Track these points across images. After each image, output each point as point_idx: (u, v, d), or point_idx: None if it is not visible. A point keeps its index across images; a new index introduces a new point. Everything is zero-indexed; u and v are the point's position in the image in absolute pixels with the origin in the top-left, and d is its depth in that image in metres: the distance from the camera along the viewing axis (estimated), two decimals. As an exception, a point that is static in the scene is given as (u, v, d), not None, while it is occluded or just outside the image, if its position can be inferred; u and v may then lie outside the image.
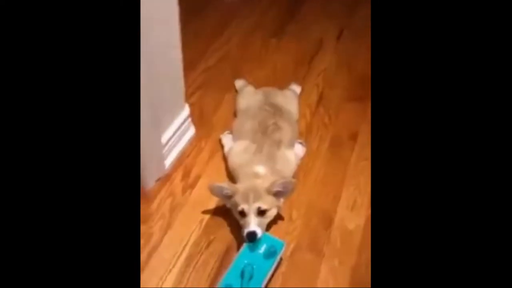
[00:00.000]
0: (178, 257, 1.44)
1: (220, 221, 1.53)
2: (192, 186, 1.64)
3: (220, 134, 1.80)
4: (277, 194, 1.44)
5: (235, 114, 1.82)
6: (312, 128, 1.88)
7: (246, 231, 1.38)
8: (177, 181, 1.65)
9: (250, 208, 1.39)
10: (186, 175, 1.67)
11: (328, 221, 1.55)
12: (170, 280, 1.38)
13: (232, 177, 1.59)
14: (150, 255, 1.43)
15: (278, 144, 1.60)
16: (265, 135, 1.61)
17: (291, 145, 1.67)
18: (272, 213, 1.44)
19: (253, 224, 1.38)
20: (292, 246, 1.47)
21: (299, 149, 1.72)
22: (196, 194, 1.62)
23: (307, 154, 1.76)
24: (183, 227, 1.51)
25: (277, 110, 1.72)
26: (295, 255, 1.45)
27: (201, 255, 1.44)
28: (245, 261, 1.33)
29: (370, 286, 1.27)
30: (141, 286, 1.34)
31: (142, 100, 1.37)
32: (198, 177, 1.67)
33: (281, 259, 1.38)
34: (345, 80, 2.10)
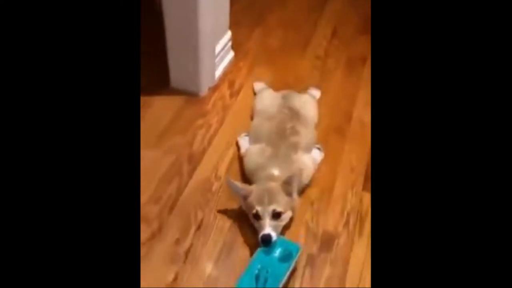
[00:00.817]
0: (232, 142, 1.82)
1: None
2: (237, 93, 2.02)
3: (254, 58, 2.18)
4: (291, 192, 1.45)
5: (251, 117, 1.86)
6: (329, 53, 2.27)
7: (260, 234, 1.37)
8: (224, 89, 2.03)
9: (265, 211, 1.39)
10: (231, 85, 2.05)
11: (348, 116, 1.95)
12: (228, 155, 1.75)
13: (247, 180, 1.60)
14: (210, 141, 1.81)
15: (294, 147, 1.60)
16: (282, 138, 1.61)
17: (308, 150, 1.67)
18: (287, 216, 1.43)
19: (268, 227, 1.37)
20: (321, 129, 1.87)
21: (316, 154, 1.72)
22: (240, 98, 2.00)
23: (327, 70, 2.15)
24: (234, 121, 1.89)
25: (295, 114, 1.72)
26: (326, 137, 1.84)
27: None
28: (260, 265, 1.32)
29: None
30: (201, 168, 1.69)
31: (205, 17, 1.75)
32: (241, 87, 2.05)
33: (295, 268, 1.38)
34: (353, 19, 2.50)
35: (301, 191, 1.58)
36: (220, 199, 1.58)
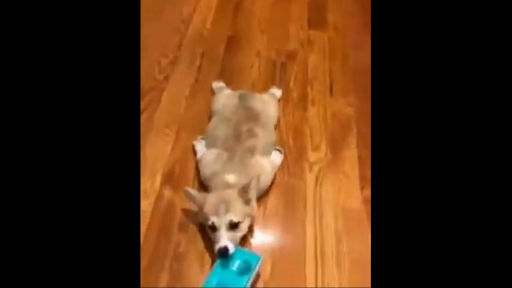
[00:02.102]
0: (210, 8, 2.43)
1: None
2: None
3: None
4: (249, 199, 1.38)
5: (209, 118, 1.78)
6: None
7: (217, 246, 1.30)
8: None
9: (221, 221, 1.32)
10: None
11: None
12: (210, 16, 2.37)
13: (204, 187, 1.54)
14: (194, 10, 2.40)
15: (251, 151, 1.52)
16: (238, 142, 1.54)
17: (266, 153, 1.59)
18: (245, 226, 1.37)
19: (224, 239, 1.30)
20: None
21: (276, 157, 1.64)
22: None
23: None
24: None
25: (253, 115, 1.64)
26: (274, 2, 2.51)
27: None
28: (217, 281, 1.26)
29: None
30: (192, 26, 2.29)
31: None
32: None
33: (258, 275, 1.33)
34: None
35: (259, 197, 1.52)
36: (213, 42, 2.20)
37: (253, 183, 1.38)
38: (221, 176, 1.45)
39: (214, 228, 1.33)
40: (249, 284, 1.28)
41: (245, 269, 1.28)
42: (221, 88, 1.89)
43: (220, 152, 1.53)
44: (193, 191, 1.40)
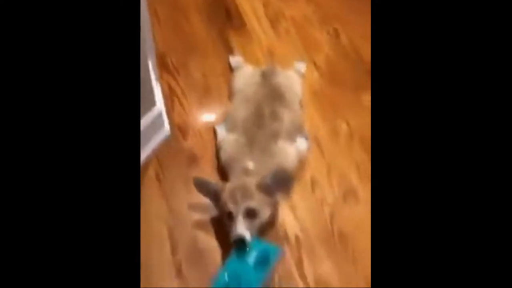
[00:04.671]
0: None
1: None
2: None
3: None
4: (270, 191, 1.31)
5: (230, 98, 1.67)
6: None
7: (233, 235, 1.25)
8: None
9: (238, 209, 1.26)
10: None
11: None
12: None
13: (224, 174, 1.48)
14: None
15: (275, 136, 1.44)
16: (261, 125, 1.46)
17: (291, 138, 1.49)
18: (264, 214, 1.30)
19: (241, 227, 1.24)
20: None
21: (302, 145, 1.53)
22: None
23: None
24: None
25: (276, 95, 1.54)
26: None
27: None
28: (231, 274, 1.21)
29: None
30: None
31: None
32: None
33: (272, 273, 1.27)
34: None
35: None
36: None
37: (274, 176, 1.32)
38: (241, 163, 1.41)
39: (231, 216, 1.29)
40: (266, 278, 1.23)
41: (263, 263, 1.23)
42: (239, 65, 1.78)
43: (240, 136, 1.47)
44: (209, 179, 1.39)
